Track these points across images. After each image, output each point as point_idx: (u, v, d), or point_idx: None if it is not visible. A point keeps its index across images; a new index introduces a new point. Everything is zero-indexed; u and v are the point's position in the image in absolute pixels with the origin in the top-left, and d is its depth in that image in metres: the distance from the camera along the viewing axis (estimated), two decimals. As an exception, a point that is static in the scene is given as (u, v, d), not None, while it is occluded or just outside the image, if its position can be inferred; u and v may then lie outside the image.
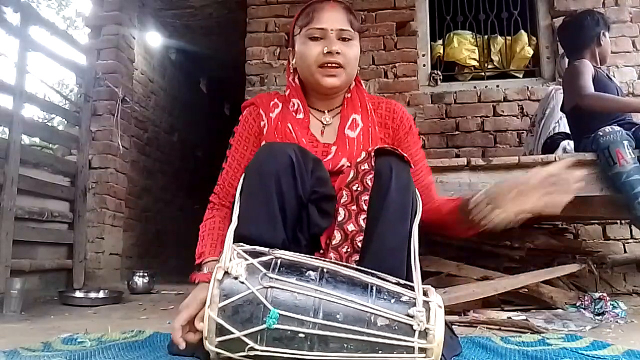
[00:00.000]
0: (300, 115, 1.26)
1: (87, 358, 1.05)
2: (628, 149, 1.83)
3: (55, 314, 2.05)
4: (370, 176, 1.07)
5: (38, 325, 1.71)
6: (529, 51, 3.28)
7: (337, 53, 1.19)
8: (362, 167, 1.09)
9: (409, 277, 0.95)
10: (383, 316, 0.85)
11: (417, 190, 1.12)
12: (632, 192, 1.78)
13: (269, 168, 1.04)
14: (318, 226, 1.08)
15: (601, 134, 1.89)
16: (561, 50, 3.03)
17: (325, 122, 1.27)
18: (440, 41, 3.42)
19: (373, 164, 1.08)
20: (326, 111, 1.29)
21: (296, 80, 1.29)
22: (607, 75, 2.24)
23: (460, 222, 1.15)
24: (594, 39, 2.22)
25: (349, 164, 1.17)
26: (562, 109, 2.35)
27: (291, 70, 1.30)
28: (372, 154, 1.09)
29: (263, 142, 1.22)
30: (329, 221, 1.08)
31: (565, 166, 1.03)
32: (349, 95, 1.29)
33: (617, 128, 1.90)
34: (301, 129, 1.24)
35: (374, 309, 0.85)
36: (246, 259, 0.90)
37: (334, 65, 1.20)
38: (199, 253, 1.13)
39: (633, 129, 1.94)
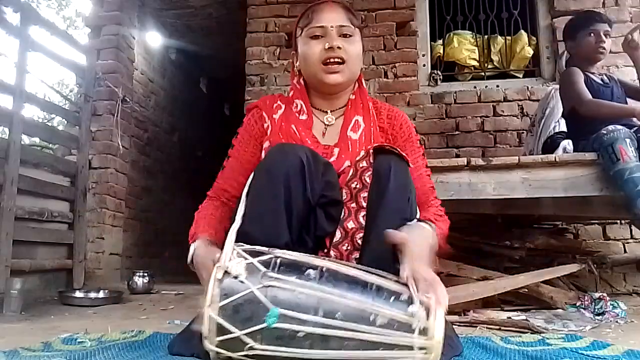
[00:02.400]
0: (304, 117, 1.27)
1: (87, 358, 1.05)
2: (631, 147, 1.85)
3: (55, 314, 2.05)
4: (369, 173, 1.08)
5: (38, 325, 1.71)
6: (529, 51, 3.28)
7: (339, 48, 1.21)
8: (361, 165, 1.10)
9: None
10: (383, 315, 0.85)
11: (418, 194, 1.14)
12: (636, 189, 1.78)
13: (279, 169, 1.04)
14: (324, 230, 1.08)
15: (604, 132, 1.91)
16: (561, 50, 3.04)
17: (327, 123, 1.28)
18: (440, 41, 3.41)
19: (371, 162, 1.08)
20: (329, 111, 1.29)
21: (301, 81, 1.31)
22: (601, 80, 2.23)
23: None
24: None
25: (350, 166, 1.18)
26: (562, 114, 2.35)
27: (296, 73, 1.32)
28: (371, 152, 1.10)
29: (267, 143, 1.24)
30: (335, 225, 1.09)
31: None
32: (353, 97, 1.30)
33: (619, 127, 1.92)
34: (305, 130, 1.24)
35: (373, 307, 0.85)
36: (246, 258, 0.90)
37: (336, 61, 1.21)
38: (192, 234, 1.15)
39: (632, 130, 1.95)
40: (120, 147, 3.41)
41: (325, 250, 1.08)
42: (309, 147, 1.14)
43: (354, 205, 1.08)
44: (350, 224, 1.07)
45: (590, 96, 2.09)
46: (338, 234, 1.07)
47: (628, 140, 1.86)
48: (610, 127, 1.91)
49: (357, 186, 1.08)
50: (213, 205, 1.24)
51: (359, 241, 1.06)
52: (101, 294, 2.54)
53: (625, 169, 1.81)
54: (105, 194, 3.31)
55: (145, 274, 2.96)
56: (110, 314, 2.04)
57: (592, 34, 2.22)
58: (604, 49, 2.22)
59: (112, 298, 2.49)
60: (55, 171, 2.94)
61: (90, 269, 3.15)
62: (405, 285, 0.91)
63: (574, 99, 2.15)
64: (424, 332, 0.84)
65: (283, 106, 1.29)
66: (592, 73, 2.25)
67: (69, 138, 3.17)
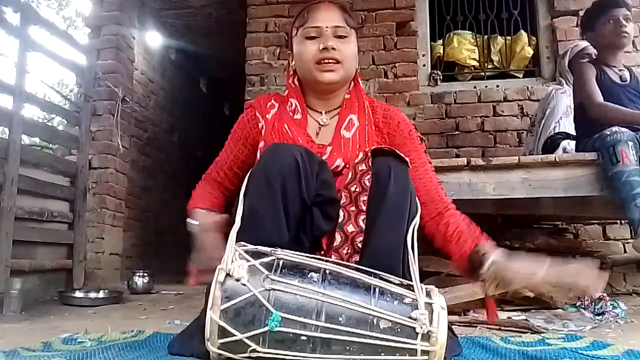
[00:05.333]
0: (298, 116, 1.27)
1: (87, 358, 1.05)
2: (632, 150, 1.84)
3: (55, 314, 2.05)
4: (368, 176, 1.08)
5: (38, 325, 1.71)
6: (529, 51, 3.27)
7: (333, 49, 1.21)
8: (360, 168, 1.10)
9: (408, 276, 0.95)
10: (386, 318, 0.85)
11: (427, 190, 1.18)
12: (631, 192, 1.79)
13: (275, 169, 1.04)
14: (321, 229, 1.08)
15: (608, 132, 1.91)
16: (561, 50, 3.03)
17: (322, 123, 1.28)
18: (440, 41, 3.41)
19: (370, 165, 1.08)
20: (324, 112, 1.29)
21: (295, 81, 1.31)
22: (619, 77, 2.18)
23: (463, 268, 1.15)
24: None
25: (345, 164, 1.18)
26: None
27: (291, 72, 1.32)
28: (370, 154, 1.09)
29: (262, 143, 1.24)
30: (332, 224, 1.08)
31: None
32: (348, 96, 1.30)
33: (623, 129, 1.92)
34: (297, 129, 1.24)
35: (376, 311, 0.85)
36: (248, 260, 0.90)
37: (330, 61, 1.21)
38: (190, 207, 1.25)
39: (636, 133, 1.95)
40: (120, 147, 3.41)
41: (322, 252, 1.08)
42: (303, 147, 1.14)
43: (353, 208, 1.07)
44: (350, 228, 1.06)
45: (600, 98, 2.07)
46: (338, 238, 1.07)
47: (630, 143, 1.85)
48: (614, 129, 1.91)
49: (357, 189, 1.08)
50: (210, 185, 1.33)
51: (359, 244, 1.05)
52: (101, 294, 2.54)
53: (624, 171, 1.81)
54: (105, 194, 3.30)
55: (145, 274, 2.96)
56: (110, 314, 2.04)
57: (610, 21, 2.14)
58: (627, 33, 2.12)
59: (112, 298, 2.49)
60: (55, 171, 2.94)
61: (90, 269, 3.14)
62: (409, 288, 0.91)
63: (584, 99, 2.13)
64: (427, 336, 0.84)
65: (277, 105, 1.29)
66: (612, 67, 2.19)
67: (69, 138, 3.16)
